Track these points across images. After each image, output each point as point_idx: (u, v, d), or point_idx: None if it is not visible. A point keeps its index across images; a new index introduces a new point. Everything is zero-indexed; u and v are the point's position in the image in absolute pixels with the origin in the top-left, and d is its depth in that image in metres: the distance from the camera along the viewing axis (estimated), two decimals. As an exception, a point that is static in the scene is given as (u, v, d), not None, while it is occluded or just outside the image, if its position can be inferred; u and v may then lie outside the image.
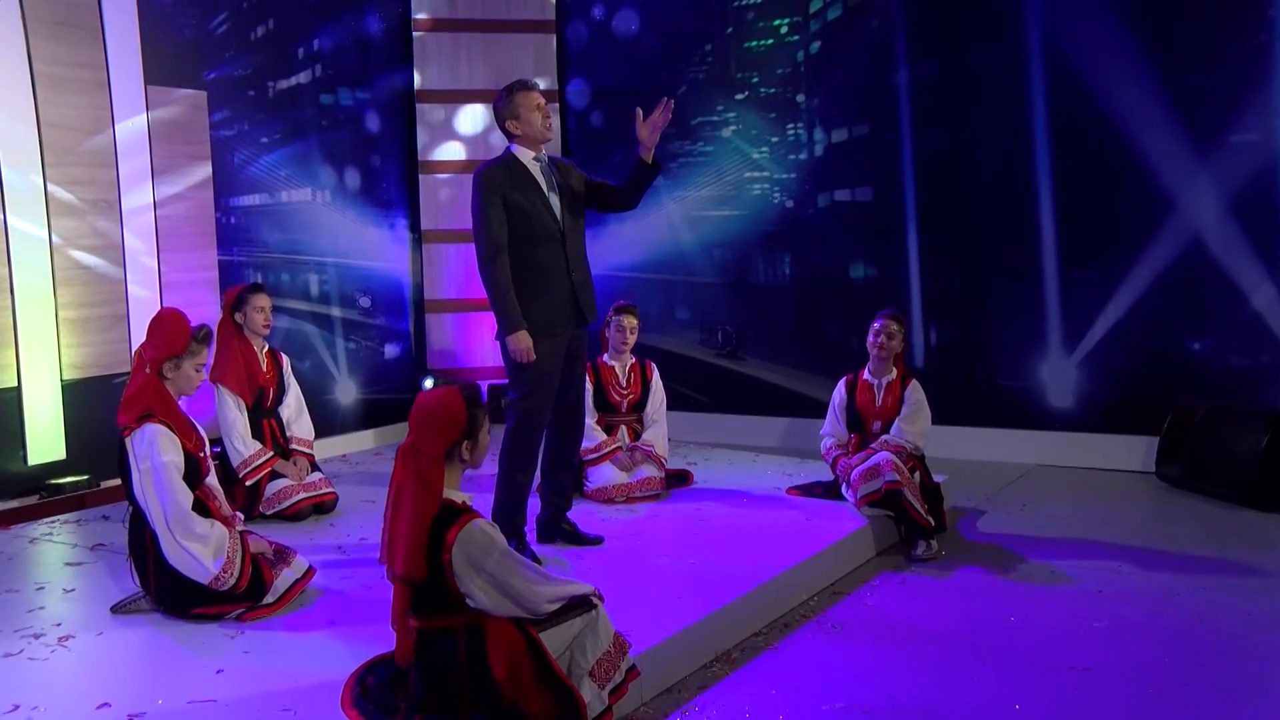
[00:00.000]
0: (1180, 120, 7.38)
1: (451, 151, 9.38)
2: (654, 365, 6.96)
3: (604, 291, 8.64)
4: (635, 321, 6.78)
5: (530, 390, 5.27)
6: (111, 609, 4.70)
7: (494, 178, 5.24)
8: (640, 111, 5.33)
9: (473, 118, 9.41)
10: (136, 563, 4.65)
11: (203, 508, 4.63)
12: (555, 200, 5.33)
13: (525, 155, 5.33)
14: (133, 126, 7.26)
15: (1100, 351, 7.74)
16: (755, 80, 8.99)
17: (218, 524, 4.61)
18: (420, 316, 9.41)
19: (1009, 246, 8.05)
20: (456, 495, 3.53)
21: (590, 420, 6.56)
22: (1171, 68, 7.40)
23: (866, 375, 6.36)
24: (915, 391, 6.24)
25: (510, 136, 5.35)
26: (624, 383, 6.80)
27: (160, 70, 7.40)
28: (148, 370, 4.63)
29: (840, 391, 6.44)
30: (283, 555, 4.81)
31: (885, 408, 6.26)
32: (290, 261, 8.35)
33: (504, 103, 5.32)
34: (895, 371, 6.31)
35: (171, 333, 4.68)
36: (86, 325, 6.98)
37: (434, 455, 3.46)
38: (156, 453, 4.49)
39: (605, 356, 6.84)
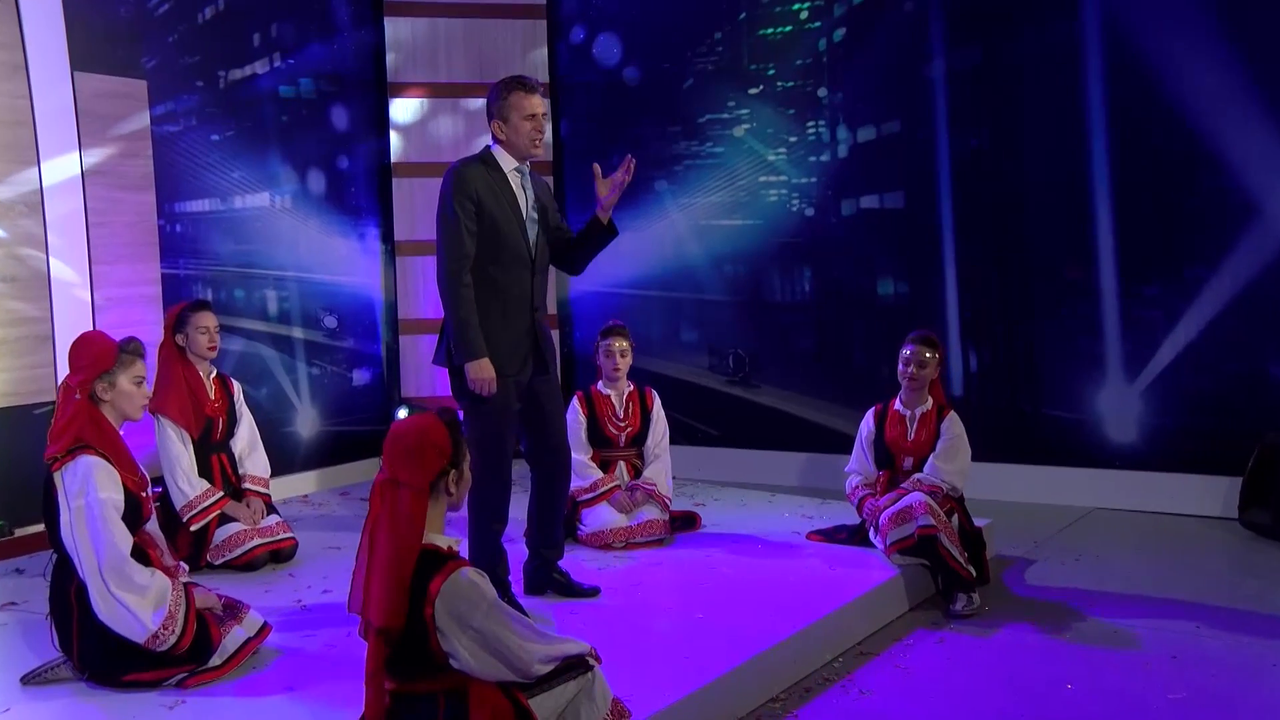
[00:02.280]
0: (1265, 111, 7.35)
1: (429, 152, 9.37)
2: (655, 393, 6.97)
3: (599, 311, 8.68)
4: (626, 344, 6.80)
5: (487, 428, 5.26)
6: (22, 679, 4.60)
7: (470, 177, 5.23)
8: (598, 168, 5.38)
9: (453, 114, 9.41)
10: (58, 622, 4.59)
11: (142, 556, 4.58)
12: (533, 218, 5.37)
13: (506, 161, 5.34)
14: (57, 119, 7.16)
15: (1169, 378, 7.71)
16: (771, 72, 8.99)
17: (159, 573, 4.57)
18: (393, 338, 9.40)
19: (1061, 258, 8.04)
20: (440, 539, 3.52)
21: (584, 456, 6.59)
22: (1255, 50, 7.36)
23: (898, 406, 6.37)
24: (953, 425, 6.24)
25: (494, 137, 5.35)
26: (621, 413, 6.82)
27: (90, 55, 7.33)
28: (78, 396, 4.59)
29: (868, 424, 6.45)
30: (233, 610, 4.78)
31: (919, 442, 6.26)
32: (245, 276, 8.33)
33: (496, 99, 5.30)
34: (931, 402, 6.31)
35: (96, 350, 4.66)
36: (4, 348, 6.89)
37: (417, 487, 3.45)
38: (93, 488, 4.45)
39: (599, 385, 6.86)
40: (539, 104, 5.28)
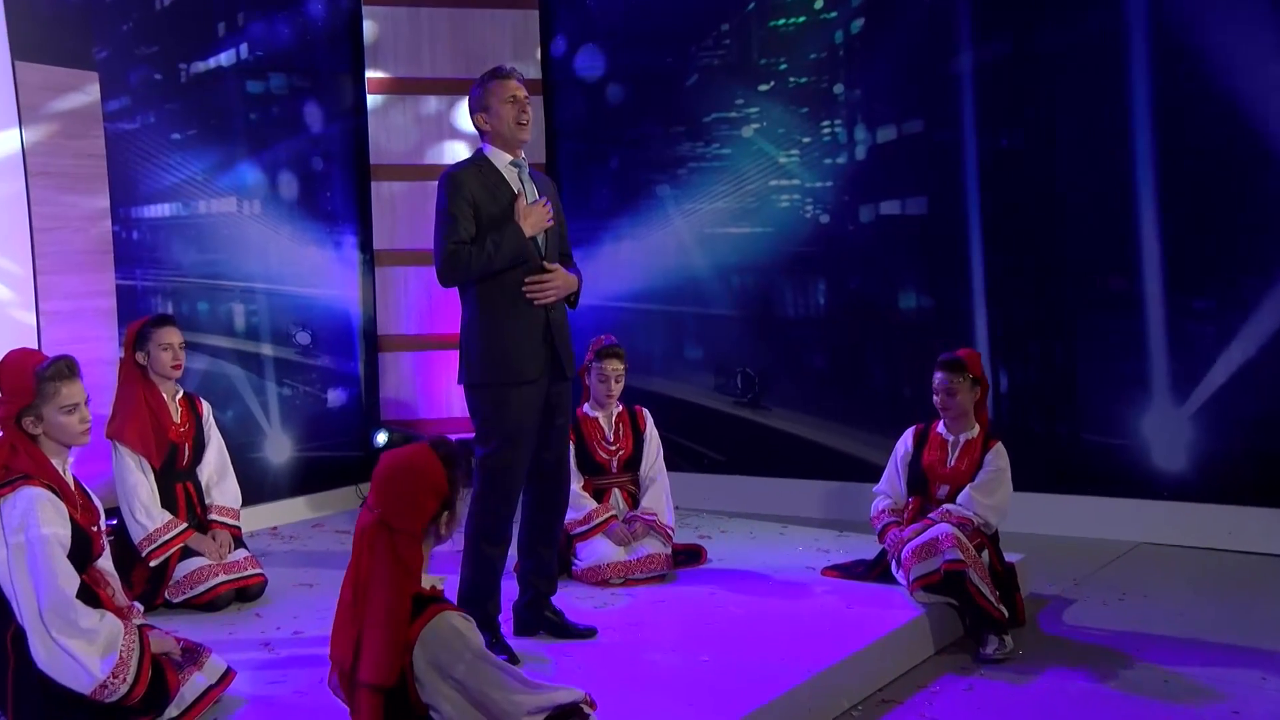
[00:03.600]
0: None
1: (412, 154, 9.37)
2: (646, 412, 7.01)
3: (594, 327, 8.63)
4: (621, 366, 6.85)
5: (502, 443, 5.31)
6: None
7: (464, 181, 5.33)
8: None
9: (438, 112, 9.40)
10: (-8, 673, 4.52)
11: (90, 596, 4.53)
12: None
13: (500, 159, 5.44)
14: (-4, 113, 7.13)
15: (1222, 400, 7.67)
16: (783, 67, 8.99)
17: (109, 615, 4.51)
18: (372, 356, 9.38)
19: (1101, 268, 8.02)
20: (424, 579, 3.53)
21: (575, 486, 6.55)
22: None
23: (940, 429, 6.40)
24: (998, 457, 6.26)
25: (481, 134, 5.48)
26: (611, 436, 6.86)
27: (33, 43, 7.25)
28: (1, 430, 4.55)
29: (906, 443, 6.49)
30: (193, 655, 4.74)
31: (958, 471, 6.28)
32: (209, 287, 8.30)
33: (475, 92, 5.46)
34: (977, 429, 6.34)
35: (11, 379, 4.59)
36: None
37: (411, 532, 3.45)
38: (35, 523, 4.41)
39: (586, 407, 6.91)
40: (518, 87, 5.42)
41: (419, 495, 3.44)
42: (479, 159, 5.43)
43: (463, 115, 9.21)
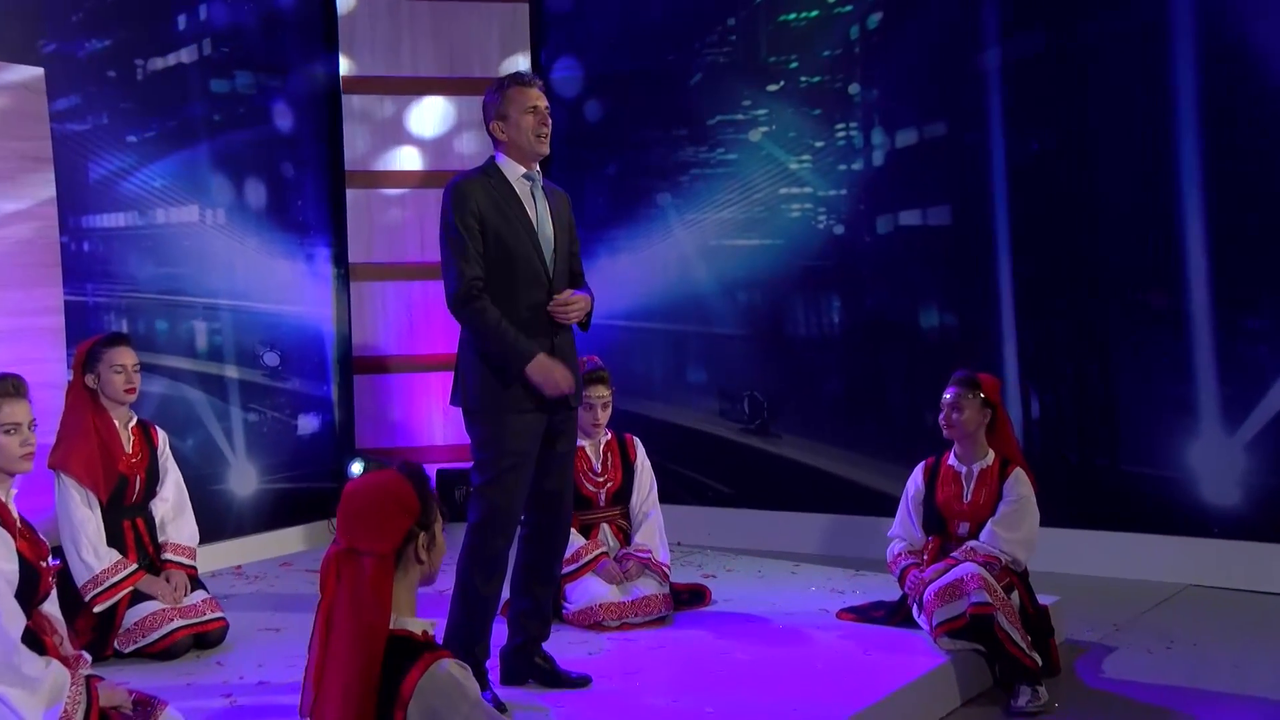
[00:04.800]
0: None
1: (391, 159, 9.43)
2: (637, 441, 7.06)
3: (587, 346, 8.55)
4: (607, 392, 6.88)
5: (500, 472, 5.31)
6: None
7: (471, 194, 5.36)
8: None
9: (420, 114, 9.47)
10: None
11: (35, 642, 4.48)
12: (547, 236, 5.48)
13: (512, 170, 5.48)
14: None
15: (1279, 428, 7.66)
16: (794, 65, 9.03)
17: (55, 664, 4.47)
18: (347, 379, 9.43)
19: (1143, 283, 8.02)
20: (413, 622, 3.44)
21: None
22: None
23: (952, 460, 6.38)
24: (1019, 485, 6.22)
25: (496, 143, 5.52)
26: (599, 467, 6.89)
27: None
28: None
29: (916, 481, 6.47)
30: (147, 708, 4.64)
31: (976, 505, 6.25)
32: (169, 304, 8.30)
33: (493, 98, 5.47)
34: (992, 456, 6.31)
35: None
36: None
37: (380, 553, 3.35)
38: (-22, 559, 4.36)
39: None
40: (539, 96, 5.46)
41: (386, 511, 3.37)
42: (489, 168, 5.46)
43: (448, 115, 9.28)
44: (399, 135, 9.43)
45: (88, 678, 4.58)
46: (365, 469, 9.08)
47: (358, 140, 9.34)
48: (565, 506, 5.70)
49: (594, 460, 6.84)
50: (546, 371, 5.25)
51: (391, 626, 3.36)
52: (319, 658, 3.42)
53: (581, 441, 6.79)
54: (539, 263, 5.40)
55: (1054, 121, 8.23)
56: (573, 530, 6.57)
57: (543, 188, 5.51)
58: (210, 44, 8.52)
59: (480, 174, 5.44)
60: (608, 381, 6.85)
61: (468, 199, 5.31)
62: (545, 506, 5.57)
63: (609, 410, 6.84)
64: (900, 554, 6.38)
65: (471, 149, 9.21)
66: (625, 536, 6.82)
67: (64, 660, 4.56)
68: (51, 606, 4.72)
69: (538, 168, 5.52)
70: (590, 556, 6.60)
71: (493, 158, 5.50)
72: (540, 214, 5.45)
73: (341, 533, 3.42)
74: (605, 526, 6.81)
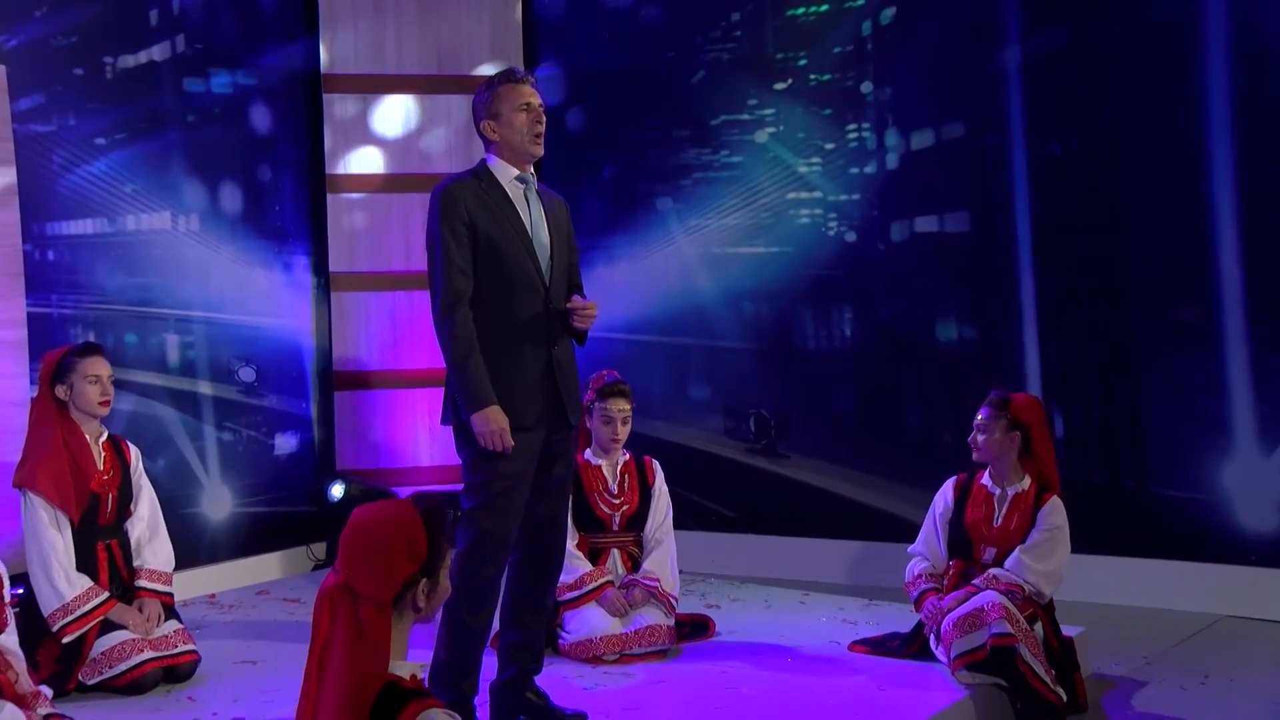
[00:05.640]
0: None
1: (373, 162, 9.43)
2: (656, 465, 7.03)
3: (586, 362, 8.55)
4: (628, 406, 6.84)
5: (492, 496, 5.30)
6: None
7: (460, 197, 5.36)
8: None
9: (404, 115, 9.45)
10: None
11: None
12: (542, 239, 5.48)
13: (505, 173, 5.49)
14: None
15: (1320, 449, 7.71)
16: (803, 63, 9.04)
17: (9, 706, 4.43)
18: (327, 396, 9.42)
19: (1172, 294, 8.03)
20: (401, 667, 3.43)
21: (569, 544, 6.54)
22: None
23: (985, 480, 6.39)
24: (1053, 514, 6.23)
25: (487, 144, 5.52)
26: (615, 488, 6.85)
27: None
28: None
29: (946, 496, 6.49)
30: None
31: (1007, 531, 6.25)
32: (138, 316, 8.30)
33: (484, 96, 5.49)
34: (1028, 481, 6.31)
35: None
36: None
37: (378, 600, 3.36)
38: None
39: (587, 453, 6.91)
40: (533, 93, 5.48)
41: (390, 556, 3.36)
42: (480, 171, 5.46)
43: (434, 116, 9.27)
44: (382, 137, 9.41)
45: (48, 716, 4.57)
46: (348, 493, 9.04)
47: (338, 142, 9.33)
48: (560, 533, 5.70)
49: (610, 481, 6.83)
50: (489, 425, 5.20)
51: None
52: (311, 701, 3.41)
53: (598, 460, 6.85)
54: (534, 269, 5.39)
55: (1078, 122, 8.23)
56: (580, 554, 6.66)
57: (538, 191, 5.51)
58: (184, 40, 8.51)
59: (470, 177, 5.45)
60: (629, 395, 6.82)
61: (456, 203, 5.32)
62: (539, 533, 5.56)
63: (629, 426, 6.81)
64: (920, 575, 6.38)
65: (457, 150, 9.21)
66: (634, 565, 6.80)
67: (19, 700, 4.54)
68: (9, 639, 4.70)
69: (532, 170, 5.53)
70: (594, 585, 6.59)
71: (484, 159, 5.51)
72: (535, 218, 5.44)
73: (341, 565, 3.41)
74: (615, 553, 6.80)
